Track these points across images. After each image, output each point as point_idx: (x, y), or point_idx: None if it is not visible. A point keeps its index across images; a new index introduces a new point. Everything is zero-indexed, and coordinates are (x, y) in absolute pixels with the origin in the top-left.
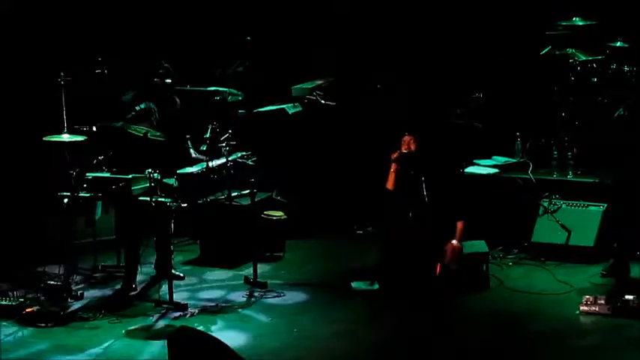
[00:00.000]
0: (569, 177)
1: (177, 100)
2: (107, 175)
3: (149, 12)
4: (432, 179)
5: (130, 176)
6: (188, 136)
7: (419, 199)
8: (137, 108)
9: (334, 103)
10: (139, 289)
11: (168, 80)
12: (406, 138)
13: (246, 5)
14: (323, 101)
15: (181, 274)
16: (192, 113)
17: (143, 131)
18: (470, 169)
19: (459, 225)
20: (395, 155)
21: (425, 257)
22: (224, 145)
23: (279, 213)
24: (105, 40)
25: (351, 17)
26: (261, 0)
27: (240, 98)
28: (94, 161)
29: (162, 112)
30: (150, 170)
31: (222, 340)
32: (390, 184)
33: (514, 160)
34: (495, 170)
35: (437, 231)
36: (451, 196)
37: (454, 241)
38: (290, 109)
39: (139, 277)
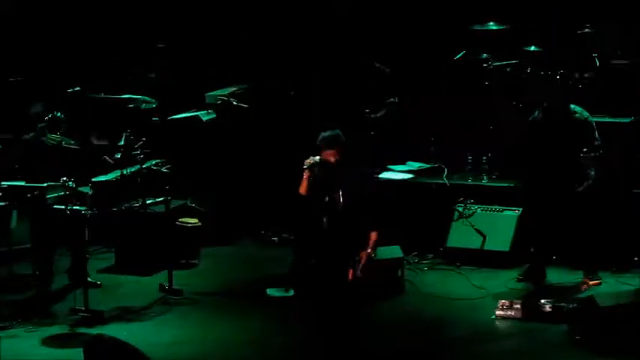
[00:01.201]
0: (484, 182)
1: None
2: (22, 183)
3: (65, 18)
4: (346, 185)
5: (45, 184)
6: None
7: (332, 204)
8: (46, 118)
9: (246, 105)
10: (54, 297)
11: (77, 88)
12: (328, 152)
13: (159, 11)
14: (235, 102)
15: (98, 282)
16: (107, 120)
17: (58, 139)
18: (384, 175)
19: (373, 235)
20: (308, 162)
21: (336, 263)
22: (138, 152)
23: (194, 220)
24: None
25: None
26: (172, 5)
27: (153, 105)
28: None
29: (73, 121)
30: (64, 178)
31: (137, 347)
32: (303, 190)
33: (428, 165)
34: (410, 175)
35: (349, 237)
36: (364, 203)
37: (368, 250)
38: (204, 115)
39: (54, 286)
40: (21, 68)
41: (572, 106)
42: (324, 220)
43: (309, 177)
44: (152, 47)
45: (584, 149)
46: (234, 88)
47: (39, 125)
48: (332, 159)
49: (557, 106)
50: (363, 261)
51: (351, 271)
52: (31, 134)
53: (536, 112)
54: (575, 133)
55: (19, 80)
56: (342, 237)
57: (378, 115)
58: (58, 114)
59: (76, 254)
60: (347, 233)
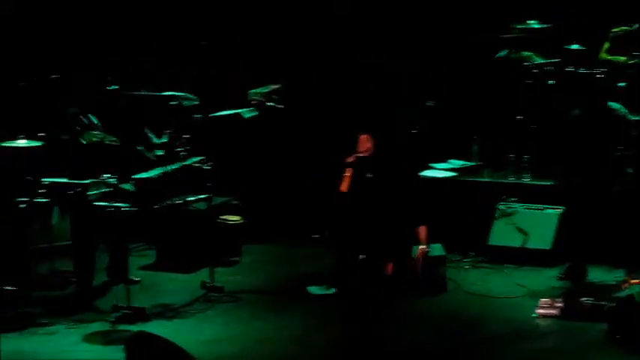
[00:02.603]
0: (526, 180)
1: (123, 101)
2: (64, 180)
3: (104, 17)
4: (387, 182)
5: (87, 181)
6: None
7: (373, 202)
8: (85, 120)
9: (282, 106)
10: (95, 293)
11: (115, 87)
12: (362, 137)
13: (201, 9)
14: (271, 103)
15: (137, 278)
16: (148, 118)
17: (99, 136)
18: (426, 173)
19: (423, 230)
20: (350, 159)
21: (377, 260)
22: (180, 149)
23: (236, 217)
24: (59, 46)
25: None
26: (216, 4)
27: (196, 103)
28: (51, 167)
29: (114, 119)
30: (106, 175)
31: (178, 344)
32: (344, 187)
33: (471, 164)
34: (452, 174)
35: (390, 233)
36: (407, 199)
37: (423, 246)
38: (246, 113)
39: (95, 282)
40: (59, 66)
41: (611, 103)
42: (366, 217)
43: (351, 175)
44: (195, 45)
45: (622, 147)
46: (275, 85)
47: (75, 127)
48: (368, 144)
49: (597, 105)
50: (420, 257)
51: (390, 265)
52: (68, 135)
53: (577, 111)
54: (615, 130)
55: (55, 79)
56: (383, 234)
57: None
58: (93, 117)
59: (115, 251)
60: (388, 230)
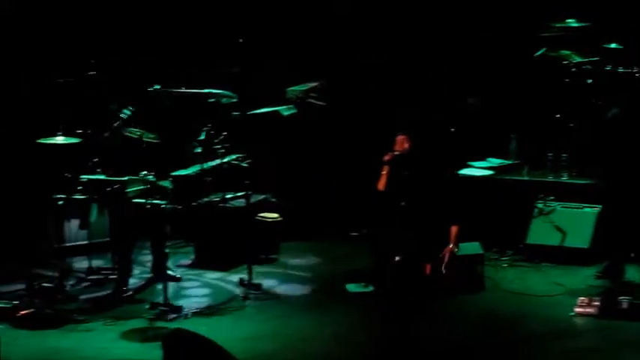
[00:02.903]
0: (564, 178)
1: (167, 101)
2: (102, 177)
3: (142, 15)
4: (425, 181)
5: (125, 178)
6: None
7: (410, 200)
8: (122, 115)
9: (322, 103)
10: (133, 290)
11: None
12: (399, 137)
13: (240, 6)
14: (313, 101)
15: (178, 276)
16: (187, 115)
17: (138, 133)
18: (464, 171)
19: (454, 229)
20: (387, 157)
21: (414, 258)
22: (219, 147)
23: (274, 215)
24: (98, 44)
25: (348, 17)
26: (254, 1)
27: (234, 100)
28: (89, 163)
29: (153, 116)
30: (144, 172)
31: (216, 342)
32: (381, 185)
33: (509, 162)
34: (490, 172)
35: (427, 232)
36: (444, 198)
37: (450, 245)
38: (284, 110)
39: (133, 279)
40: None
41: None
42: (403, 215)
43: (388, 173)
44: (234, 42)
45: None
46: (314, 83)
47: (114, 124)
48: (405, 144)
49: (636, 103)
50: (446, 257)
51: (428, 266)
52: (108, 133)
53: (615, 110)
54: None
55: (94, 75)
56: (421, 232)
57: (462, 110)
58: (127, 111)
59: (156, 248)
60: (426, 228)
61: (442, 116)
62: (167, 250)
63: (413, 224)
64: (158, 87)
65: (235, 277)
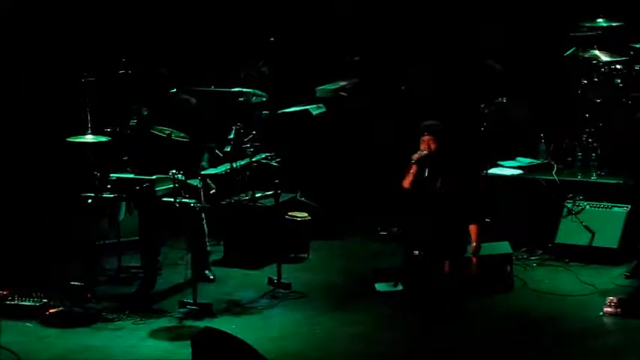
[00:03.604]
0: (593, 178)
1: (192, 99)
2: (131, 175)
3: (171, 14)
4: (451, 179)
5: (154, 177)
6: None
7: (437, 198)
8: (140, 114)
9: (355, 101)
10: (162, 289)
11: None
12: (425, 138)
13: (270, 5)
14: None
15: (212, 276)
16: (216, 114)
17: (167, 132)
18: (494, 170)
19: (473, 228)
20: (416, 156)
21: (433, 256)
22: (248, 146)
23: (304, 214)
24: (122, 43)
25: (379, 18)
26: (284, 0)
27: (264, 99)
28: (118, 162)
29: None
30: (174, 171)
31: (245, 341)
32: (407, 183)
33: (538, 162)
34: (519, 171)
35: (446, 230)
36: (465, 196)
37: (473, 244)
38: (314, 109)
39: (162, 278)
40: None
41: None
42: (430, 213)
43: (415, 171)
44: (264, 41)
45: None
46: (343, 82)
47: (142, 123)
48: (431, 145)
49: None
50: (475, 259)
51: (447, 265)
52: (136, 131)
53: None
54: None
55: (123, 74)
56: (447, 230)
57: (489, 111)
58: (144, 111)
59: (193, 248)
60: (445, 226)
61: (471, 117)
62: (208, 249)
63: (435, 222)
64: (174, 90)
65: (264, 276)
